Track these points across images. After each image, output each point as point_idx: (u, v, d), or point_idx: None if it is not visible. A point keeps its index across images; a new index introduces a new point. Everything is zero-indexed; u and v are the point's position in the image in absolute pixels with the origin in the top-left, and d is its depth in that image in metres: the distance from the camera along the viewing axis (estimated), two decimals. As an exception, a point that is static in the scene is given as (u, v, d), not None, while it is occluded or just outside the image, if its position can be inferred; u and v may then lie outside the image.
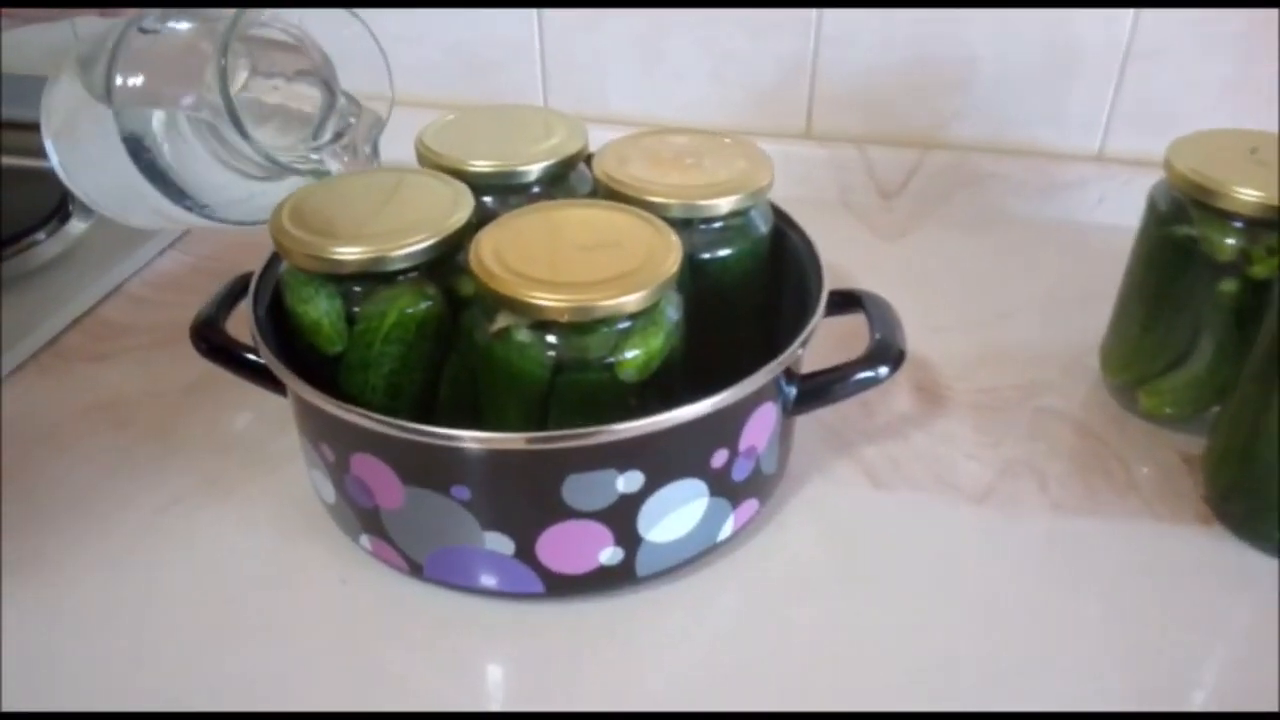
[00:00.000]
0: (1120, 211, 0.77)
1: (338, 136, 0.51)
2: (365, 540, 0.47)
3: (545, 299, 0.41)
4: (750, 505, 0.49)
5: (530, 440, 0.40)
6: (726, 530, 0.48)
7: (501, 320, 0.43)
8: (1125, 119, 0.77)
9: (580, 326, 0.42)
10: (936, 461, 0.56)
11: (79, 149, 0.59)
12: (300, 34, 0.55)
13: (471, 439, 0.40)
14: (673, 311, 0.44)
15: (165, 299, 0.69)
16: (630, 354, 0.42)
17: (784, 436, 0.50)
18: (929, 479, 0.55)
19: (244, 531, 0.51)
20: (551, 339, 0.42)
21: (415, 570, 0.46)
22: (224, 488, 0.54)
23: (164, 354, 0.63)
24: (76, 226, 0.79)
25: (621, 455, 0.41)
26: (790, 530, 0.51)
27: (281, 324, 0.48)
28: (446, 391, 0.48)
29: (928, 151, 0.80)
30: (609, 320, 0.42)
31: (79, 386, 0.61)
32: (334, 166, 0.51)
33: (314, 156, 0.51)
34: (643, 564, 0.45)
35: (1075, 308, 0.69)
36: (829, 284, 0.50)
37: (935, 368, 0.63)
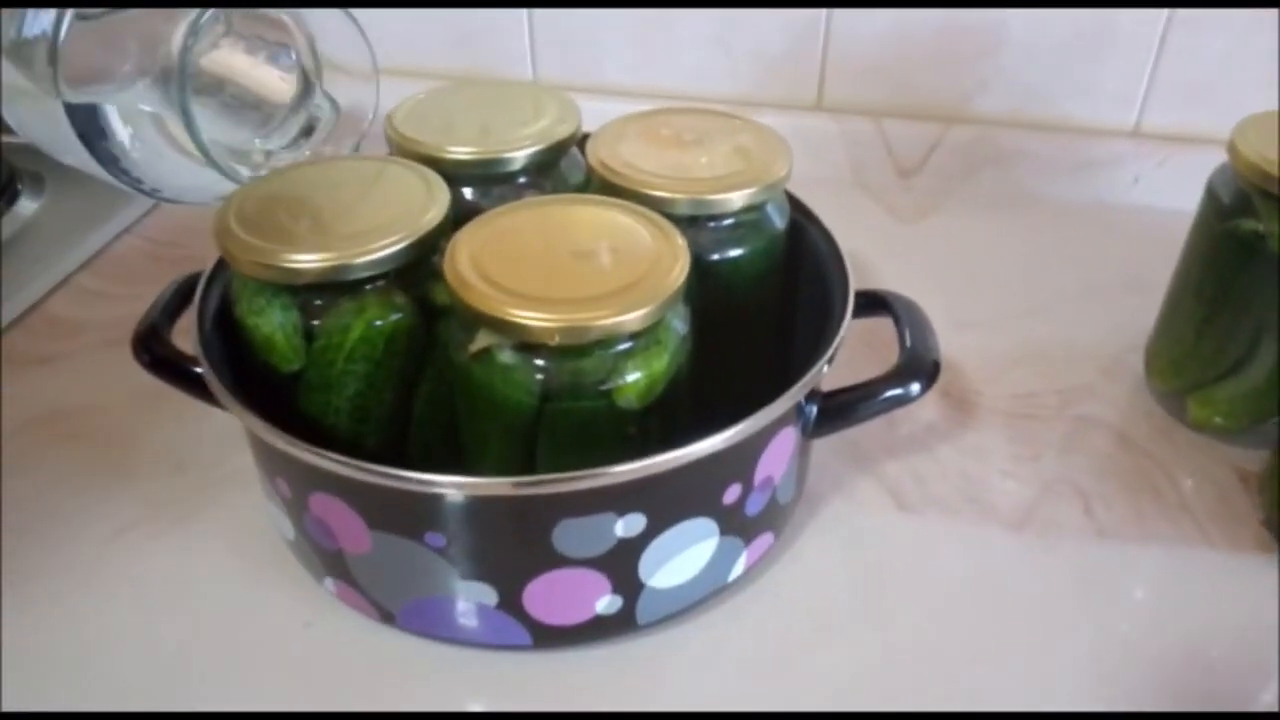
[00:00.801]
0: (1156, 192, 0.72)
1: (305, 133, 0.45)
2: (330, 584, 0.42)
3: (531, 318, 0.35)
4: (764, 539, 0.43)
5: (517, 485, 0.35)
6: (738, 569, 0.43)
7: (481, 339, 0.37)
8: (1164, 92, 0.71)
9: (573, 349, 0.36)
10: (968, 480, 0.50)
11: (23, 113, 0.54)
12: (290, 13, 0.49)
13: (448, 484, 0.34)
14: (679, 325, 0.39)
15: (118, 291, 0.64)
16: (630, 378, 0.37)
17: (801, 459, 0.44)
18: (960, 500, 0.49)
19: (199, 565, 0.46)
20: (539, 362, 0.36)
21: (387, 618, 0.41)
22: (178, 513, 0.48)
23: (115, 356, 0.57)
24: (26, 207, 0.73)
25: (621, 497, 0.36)
26: (807, 562, 0.46)
27: (235, 332, 0.42)
28: (421, 412, 0.43)
29: (950, 126, 0.74)
30: (606, 342, 0.36)
31: (22, 394, 0.55)
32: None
33: (269, 152, 0.44)
34: (644, 612, 0.40)
35: (1112, 299, 0.63)
36: (854, 287, 0.45)
37: (962, 370, 0.57)
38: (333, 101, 0.47)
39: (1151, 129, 0.72)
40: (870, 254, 0.67)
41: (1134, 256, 0.67)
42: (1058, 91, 0.72)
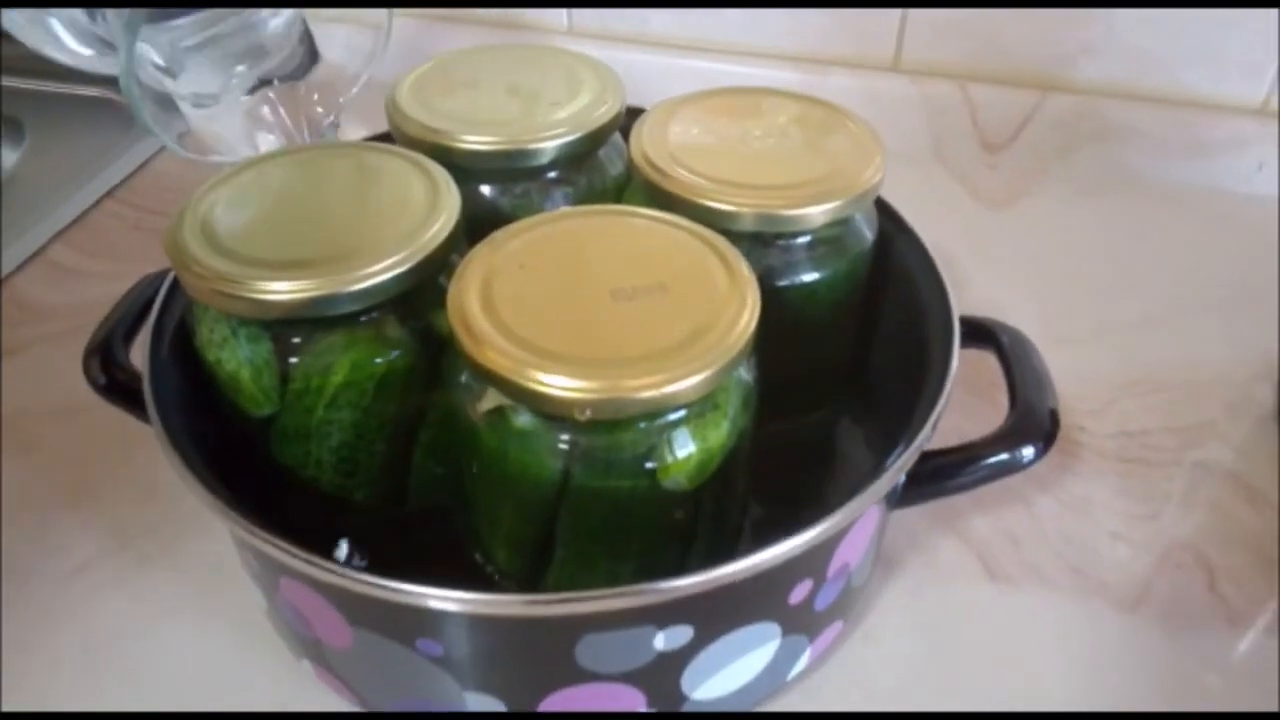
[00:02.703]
0: (1284, 182, 0.62)
1: (245, 59, 0.37)
2: (308, 665, 0.35)
3: (556, 386, 0.27)
4: (833, 630, 0.36)
5: (531, 603, 0.27)
6: (800, 665, 0.35)
7: (493, 398, 0.29)
8: (1302, 62, 0.61)
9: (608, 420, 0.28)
10: (1071, 543, 0.42)
11: None
12: None
13: (442, 599, 0.27)
14: (743, 378, 0.31)
15: (95, 268, 0.56)
16: (680, 454, 0.29)
17: (881, 535, 0.37)
18: (1062, 569, 0.41)
19: (163, 617, 0.39)
20: (565, 435, 0.29)
21: (374, 713, 0.34)
22: (145, 550, 0.42)
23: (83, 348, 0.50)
24: (4, 158, 0.66)
25: (664, 611, 0.28)
26: (880, 645, 0.39)
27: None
28: (422, 463, 0.35)
29: (1046, 94, 0.64)
30: (650, 414, 0.28)
31: (-23, 391, 0.49)
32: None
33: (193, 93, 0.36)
34: (686, 722, 0.33)
35: (1233, 312, 0.54)
36: (958, 321, 0.36)
37: (1063, 398, 0.48)
38: (311, 49, 0.39)
39: (1283, 107, 0.62)
40: (948, 245, 0.58)
41: (1256, 258, 0.58)
42: (1174, 58, 0.62)
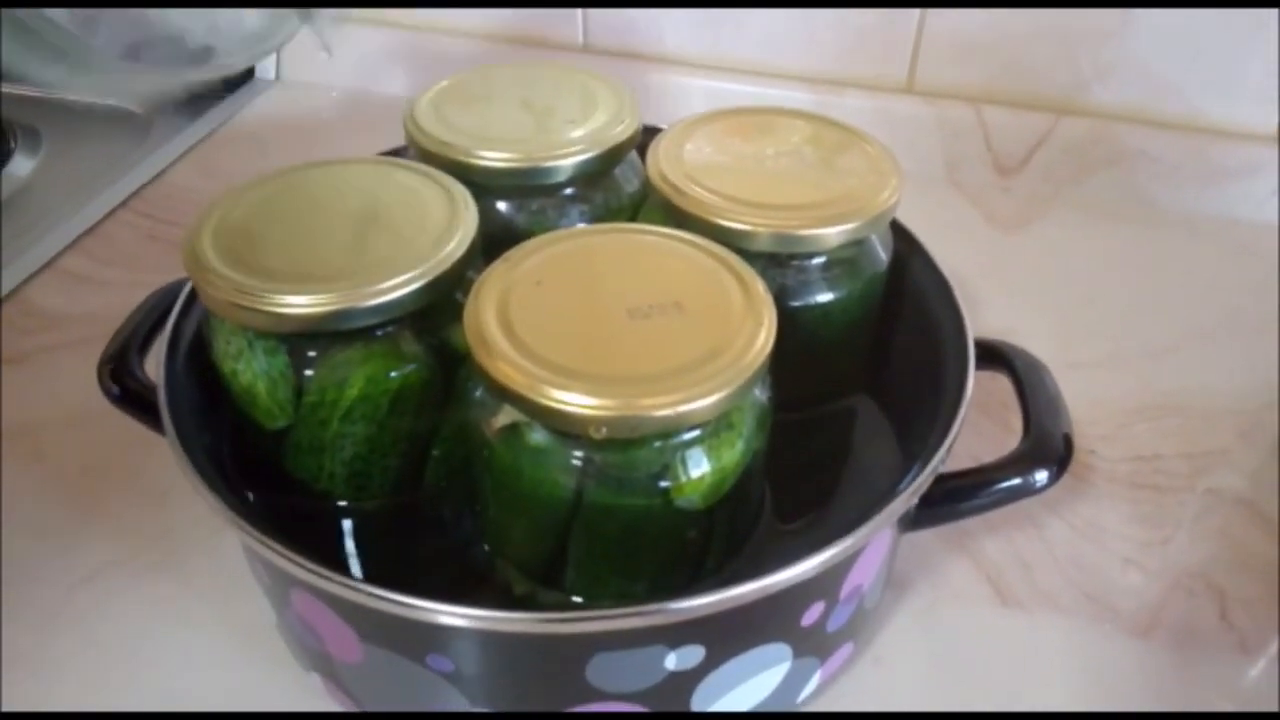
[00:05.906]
0: (1298, 209, 0.62)
1: None
2: (317, 679, 0.35)
3: (571, 403, 0.27)
4: (843, 651, 0.36)
5: (543, 621, 0.27)
6: (810, 688, 0.35)
7: (508, 414, 0.29)
8: (1318, 89, 0.61)
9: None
10: (1083, 569, 0.42)
11: None
12: None
13: (455, 615, 0.27)
14: (758, 398, 0.31)
15: (109, 277, 0.56)
16: (694, 473, 0.29)
17: (893, 557, 0.36)
18: (1074, 595, 0.41)
19: (171, 626, 0.39)
20: (578, 452, 0.29)
21: (380, 712, 0.34)
22: (154, 559, 0.42)
23: (96, 357, 0.50)
24: (20, 167, 0.66)
25: (677, 630, 0.28)
26: (891, 667, 0.38)
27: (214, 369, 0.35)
28: (435, 476, 0.35)
29: (1061, 118, 0.64)
30: (665, 433, 0.28)
31: (-11, 399, 0.49)
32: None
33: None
34: (694, 744, 0.33)
35: (1246, 339, 0.54)
36: (972, 344, 0.36)
37: (1076, 422, 0.48)
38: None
39: (1298, 133, 0.62)
40: (961, 268, 0.58)
41: (1270, 285, 0.58)
42: (1189, 84, 0.62)
